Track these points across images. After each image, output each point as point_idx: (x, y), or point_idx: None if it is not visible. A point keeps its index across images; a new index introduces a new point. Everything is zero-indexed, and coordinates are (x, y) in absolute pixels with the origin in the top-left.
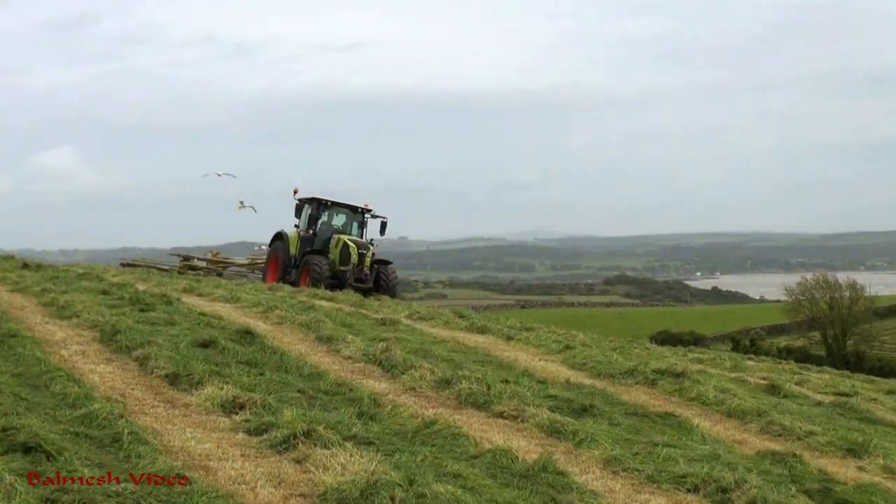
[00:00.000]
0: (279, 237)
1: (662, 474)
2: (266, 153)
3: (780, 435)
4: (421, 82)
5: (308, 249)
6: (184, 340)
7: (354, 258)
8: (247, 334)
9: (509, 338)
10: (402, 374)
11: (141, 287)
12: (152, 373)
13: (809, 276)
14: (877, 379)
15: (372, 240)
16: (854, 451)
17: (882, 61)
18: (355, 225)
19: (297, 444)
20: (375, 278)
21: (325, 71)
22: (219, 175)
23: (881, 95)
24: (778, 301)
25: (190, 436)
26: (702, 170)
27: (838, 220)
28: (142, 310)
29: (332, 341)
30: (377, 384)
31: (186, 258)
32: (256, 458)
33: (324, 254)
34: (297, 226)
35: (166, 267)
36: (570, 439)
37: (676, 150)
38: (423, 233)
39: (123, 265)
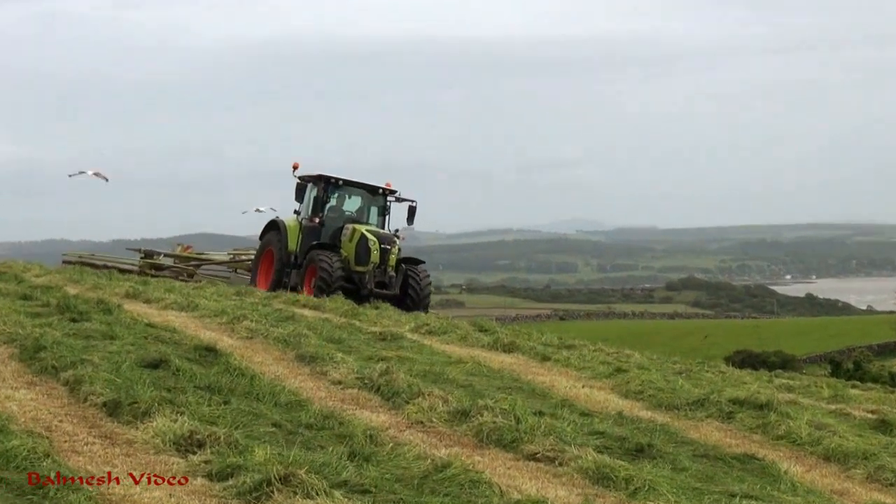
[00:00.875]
0: (273, 227)
1: None
2: (231, 120)
3: (892, 484)
4: (426, 30)
5: (314, 244)
6: (127, 359)
7: (375, 256)
8: (208, 352)
9: (544, 358)
10: (407, 403)
11: (72, 291)
12: (86, 400)
13: None
14: None
15: (397, 231)
16: None
17: None
18: (374, 211)
19: (272, 492)
20: (402, 283)
21: (306, 16)
22: (87, 174)
23: None
24: (891, 313)
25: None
26: (794, 142)
27: None
28: (73, 320)
29: (318, 361)
30: (374, 416)
31: (149, 254)
32: None
33: (334, 249)
34: (297, 212)
35: (127, 266)
36: (623, 488)
37: (761, 116)
38: (433, 223)
39: (67, 263)
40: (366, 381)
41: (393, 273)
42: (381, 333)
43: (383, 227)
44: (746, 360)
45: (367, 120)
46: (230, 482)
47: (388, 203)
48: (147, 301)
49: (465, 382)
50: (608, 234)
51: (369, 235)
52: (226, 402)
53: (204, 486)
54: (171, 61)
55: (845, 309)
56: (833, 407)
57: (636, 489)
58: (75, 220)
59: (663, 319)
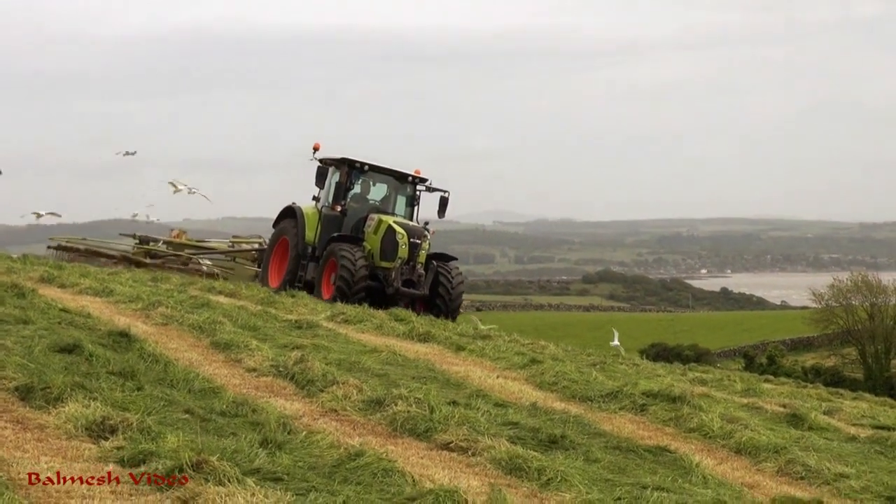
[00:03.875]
0: (289, 213)
1: None
2: (143, 110)
3: (802, 477)
4: (341, 22)
5: (335, 235)
6: (39, 344)
7: (403, 251)
8: (122, 337)
9: (459, 348)
10: (321, 391)
11: None
12: None
13: (845, 276)
14: None
15: (427, 224)
16: None
17: None
18: (402, 200)
19: (184, 478)
20: (432, 283)
21: (221, 5)
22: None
23: None
24: (804, 308)
25: (46, 467)
26: (711, 138)
27: (884, 206)
28: None
29: (232, 348)
30: (289, 404)
31: (144, 241)
32: (131, 496)
33: (357, 242)
34: (315, 198)
35: (115, 253)
36: (535, 479)
37: (678, 111)
38: None
39: (54, 249)
40: (280, 369)
41: (422, 271)
42: (296, 321)
43: (412, 219)
44: (661, 354)
45: (280, 110)
46: (142, 468)
47: (418, 193)
48: (62, 286)
49: (380, 371)
50: (525, 226)
51: (397, 228)
52: (139, 389)
53: (116, 471)
54: (83, 49)
55: (759, 304)
56: (745, 401)
57: (548, 480)
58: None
59: (579, 312)
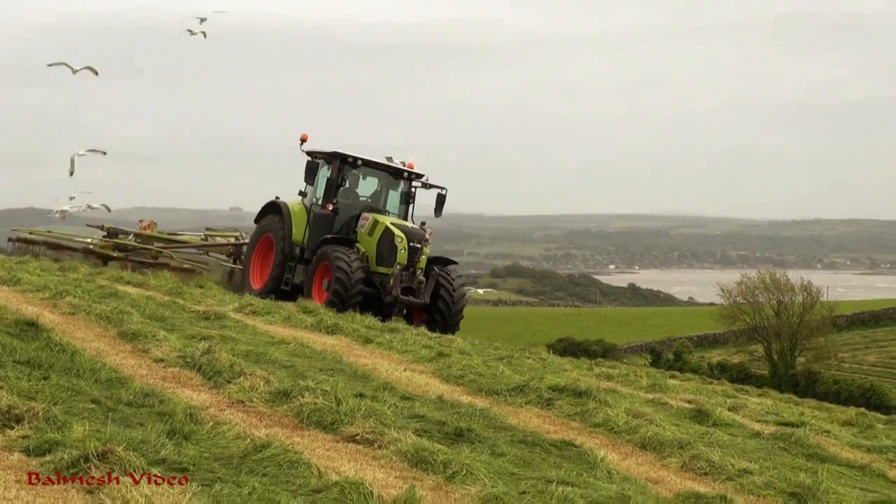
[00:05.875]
0: (273, 209)
1: None
2: (54, 99)
3: (706, 473)
4: (258, 10)
5: (327, 237)
6: None
7: (402, 256)
8: (28, 326)
9: (367, 340)
10: (228, 382)
11: None
12: None
13: (752, 273)
14: (831, 406)
15: (424, 224)
16: (798, 496)
17: (849, 8)
18: (394, 197)
19: (90, 468)
20: (433, 291)
21: None
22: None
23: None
24: (711, 304)
25: None
26: (621, 135)
27: (791, 205)
28: None
29: (140, 338)
30: (195, 395)
31: (113, 233)
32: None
33: (351, 244)
34: (302, 193)
35: (77, 246)
36: (441, 472)
37: (590, 108)
38: (262, 202)
39: (14, 241)
40: (188, 360)
41: (423, 278)
42: (204, 312)
43: (406, 218)
44: (568, 349)
45: (198, 100)
46: (48, 458)
47: (414, 189)
48: None
49: (288, 363)
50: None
51: (395, 230)
52: (45, 378)
53: (21, 461)
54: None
55: (667, 300)
56: (651, 396)
57: (454, 473)
58: None
59: (487, 306)
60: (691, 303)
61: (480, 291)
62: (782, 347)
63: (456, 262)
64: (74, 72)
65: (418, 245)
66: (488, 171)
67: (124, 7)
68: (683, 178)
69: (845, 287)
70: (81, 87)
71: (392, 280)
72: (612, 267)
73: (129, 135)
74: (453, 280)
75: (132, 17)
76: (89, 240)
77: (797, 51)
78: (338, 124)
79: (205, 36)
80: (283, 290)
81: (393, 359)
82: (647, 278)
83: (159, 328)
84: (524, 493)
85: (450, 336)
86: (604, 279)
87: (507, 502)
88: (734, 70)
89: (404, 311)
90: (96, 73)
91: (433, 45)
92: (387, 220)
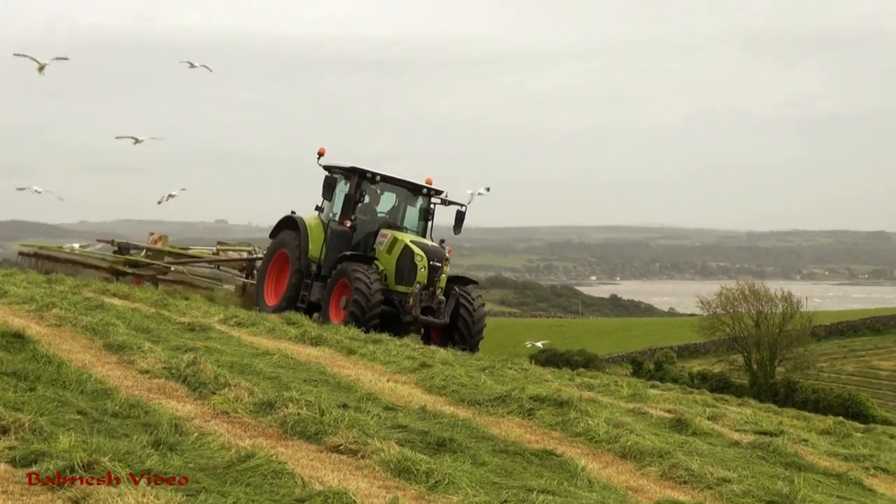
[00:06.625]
0: (289, 224)
1: None
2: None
3: (685, 482)
4: (233, 27)
5: (346, 254)
6: None
7: (423, 275)
8: (15, 338)
9: (350, 351)
10: (213, 393)
11: None
12: None
13: (732, 284)
14: (810, 415)
15: (443, 241)
16: None
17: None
18: (412, 213)
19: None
20: (453, 311)
21: (118, 7)
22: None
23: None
24: (692, 315)
25: None
26: (601, 146)
27: (771, 216)
28: None
29: (125, 350)
30: (180, 406)
31: (124, 248)
32: (22, 496)
33: (370, 262)
34: (319, 208)
35: (94, 262)
36: (423, 481)
37: (570, 119)
38: (247, 214)
39: (25, 255)
40: (173, 371)
41: (443, 297)
42: (189, 324)
43: (425, 235)
44: (550, 359)
45: (175, 114)
46: (34, 468)
47: (433, 206)
48: None
49: (272, 374)
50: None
51: (415, 249)
52: (32, 389)
53: (7, 471)
54: None
55: (648, 310)
56: (631, 406)
57: (436, 482)
58: None
59: None
60: (672, 313)
61: (539, 344)
62: (762, 357)
63: (476, 283)
64: (41, 67)
65: (438, 264)
66: (468, 184)
67: (108, 23)
68: (663, 189)
69: (823, 297)
70: (63, 98)
71: (412, 299)
72: (593, 278)
73: (111, 146)
74: (473, 300)
75: (113, 33)
76: (77, 245)
77: (775, 64)
78: (318, 136)
79: (210, 70)
80: (298, 307)
81: (376, 370)
82: (629, 289)
83: (145, 340)
84: (505, 501)
85: (433, 347)
86: (585, 290)
87: None
88: (713, 83)
89: (422, 331)
90: (66, 59)
91: (410, 59)
92: (406, 238)
